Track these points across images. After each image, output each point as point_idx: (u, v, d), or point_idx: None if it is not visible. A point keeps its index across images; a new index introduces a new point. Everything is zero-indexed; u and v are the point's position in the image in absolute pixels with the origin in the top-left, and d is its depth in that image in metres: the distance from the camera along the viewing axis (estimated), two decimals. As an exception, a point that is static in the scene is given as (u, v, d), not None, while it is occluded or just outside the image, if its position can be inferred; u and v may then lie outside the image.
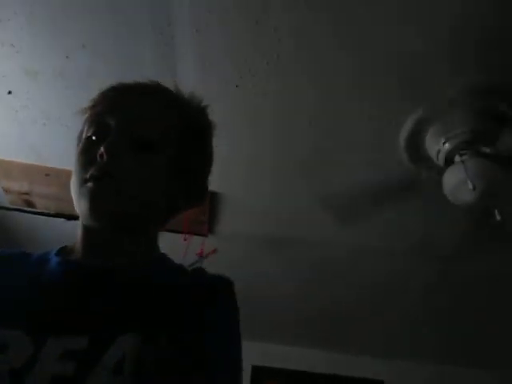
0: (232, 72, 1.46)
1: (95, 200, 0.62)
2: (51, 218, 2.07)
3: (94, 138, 0.67)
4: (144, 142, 0.66)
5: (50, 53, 1.44)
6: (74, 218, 2.05)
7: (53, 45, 1.42)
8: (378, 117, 1.59)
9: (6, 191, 2.01)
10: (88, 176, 0.63)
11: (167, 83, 0.74)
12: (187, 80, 1.48)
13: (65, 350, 0.53)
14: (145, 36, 1.38)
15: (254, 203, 1.98)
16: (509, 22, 1.30)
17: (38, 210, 2.08)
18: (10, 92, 1.58)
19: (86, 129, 0.70)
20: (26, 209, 2.08)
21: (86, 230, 0.67)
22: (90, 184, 0.63)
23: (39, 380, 0.51)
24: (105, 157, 0.63)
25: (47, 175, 1.90)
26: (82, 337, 0.54)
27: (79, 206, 0.65)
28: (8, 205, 2.06)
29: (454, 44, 1.36)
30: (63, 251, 0.69)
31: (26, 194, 2.01)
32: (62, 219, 2.06)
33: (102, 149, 0.63)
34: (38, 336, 0.54)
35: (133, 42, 1.40)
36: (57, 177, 1.90)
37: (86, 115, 0.73)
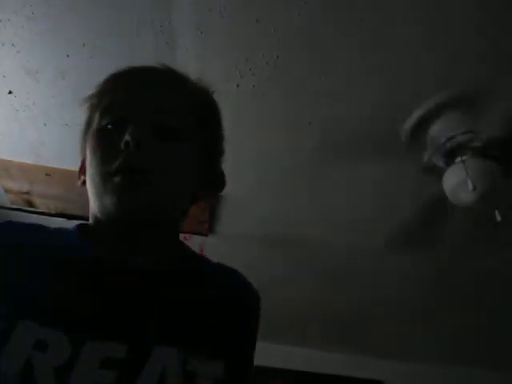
0: (232, 71, 1.46)
1: (124, 195, 0.59)
2: (52, 217, 2.08)
3: (109, 126, 0.64)
4: (166, 130, 0.64)
5: (51, 52, 1.44)
6: (75, 217, 2.05)
7: (53, 44, 1.42)
8: (379, 117, 1.59)
9: (7, 191, 2.01)
10: (113, 169, 0.59)
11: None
12: (187, 80, 1.48)
13: (104, 357, 0.51)
14: (145, 35, 1.38)
15: (255, 203, 1.98)
16: (506, 22, 1.30)
17: (39, 210, 2.08)
18: (10, 92, 1.58)
19: (97, 117, 0.66)
20: (26, 208, 2.08)
21: (107, 225, 0.63)
22: (117, 178, 0.59)
23: None
24: (131, 146, 0.59)
25: (47, 175, 1.90)
26: (121, 344, 0.53)
27: (102, 200, 0.61)
28: (9, 204, 2.06)
29: (454, 44, 1.36)
30: (85, 235, 0.65)
31: (27, 193, 2.01)
32: (63, 219, 2.06)
33: (127, 137, 0.59)
34: (75, 337, 0.52)
35: (133, 41, 1.40)
36: (57, 176, 1.90)
37: (94, 102, 0.69)
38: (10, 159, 1.85)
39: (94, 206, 0.64)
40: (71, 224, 0.68)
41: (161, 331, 0.56)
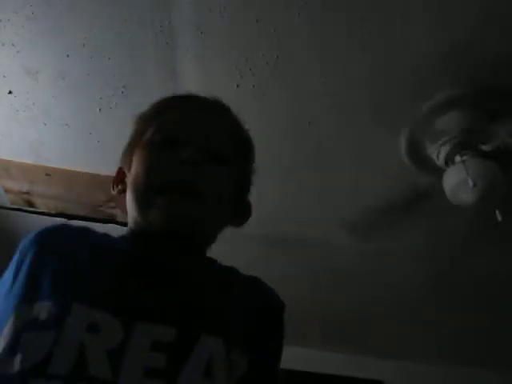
0: (232, 71, 1.46)
1: (175, 206, 0.62)
2: (52, 217, 2.08)
3: (163, 143, 0.67)
4: (214, 154, 0.68)
5: (51, 52, 1.44)
6: (75, 217, 2.06)
7: (53, 44, 1.42)
8: (379, 117, 1.59)
9: (7, 191, 2.01)
10: (165, 183, 0.62)
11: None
12: (187, 79, 1.48)
13: (154, 340, 0.53)
14: (145, 35, 1.38)
15: (255, 203, 1.97)
16: (506, 22, 1.31)
17: (39, 210, 2.08)
18: (10, 92, 1.58)
19: (151, 132, 0.69)
20: (26, 208, 2.08)
21: (146, 234, 0.65)
22: (167, 196, 0.62)
23: (133, 368, 0.51)
24: (187, 164, 0.63)
25: (47, 175, 1.90)
26: (169, 328, 0.54)
27: (147, 212, 0.63)
28: (9, 204, 2.06)
29: (455, 44, 1.36)
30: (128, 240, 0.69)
31: (27, 193, 2.01)
32: (63, 219, 2.06)
33: (183, 154, 0.63)
34: (126, 320, 0.53)
35: (133, 41, 1.40)
36: (57, 176, 1.90)
37: (148, 116, 0.73)
38: (10, 159, 1.85)
39: (134, 216, 0.67)
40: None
41: (205, 321, 0.59)
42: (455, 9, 1.27)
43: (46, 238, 0.65)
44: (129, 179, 0.70)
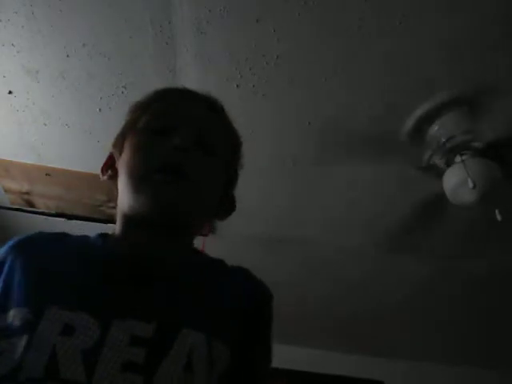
0: (232, 71, 1.46)
1: (165, 189, 0.63)
2: (52, 217, 2.08)
3: (157, 130, 0.68)
4: (208, 144, 0.69)
5: (51, 52, 1.44)
6: (75, 217, 2.06)
7: (53, 44, 1.42)
8: (378, 117, 1.59)
9: (7, 191, 2.01)
10: (157, 165, 0.63)
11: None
12: (187, 79, 1.48)
13: (132, 336, 0.53)
14: (145, 35, 1.38)
15: (255, 203, 1.98)
16: (507, 22, 1.30)
17: (39, 210, 2.08)
18: (10, 92, 1.58)
19: (145, 119, 0.70)
20: (26, 209, 2.08)
21: (135, 222, 0.66)
22: (159, 175, 0.63)
23: (110, 365, 0.50)
24: (180, 149, 0.64)
25: (47, 175, 1.90)
26: (148, 323, 0.54)
27: (138, 196, 0.64)
28: (8, 205, 2.06)
29: (456, 44, 1.36)
30: (107, 237, 0.69)
31: (27, 193, 2.02)
32: (63, 219, 2.06)
33: (176, 140, 0.64)
34: (103, 318, 0.53)
35: (133, 41, 1.40)
36: (57, 176, 1.90)
37: (143, 105, 0.74)
38: (10, 159, 1.85)
39: (126, 199, 0.66)
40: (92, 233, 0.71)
41: (186, 315, 0.58)
42: (456, 9, 1.27)
43: (20, 247, 0.65)
44: (120, 164, 0.70)
